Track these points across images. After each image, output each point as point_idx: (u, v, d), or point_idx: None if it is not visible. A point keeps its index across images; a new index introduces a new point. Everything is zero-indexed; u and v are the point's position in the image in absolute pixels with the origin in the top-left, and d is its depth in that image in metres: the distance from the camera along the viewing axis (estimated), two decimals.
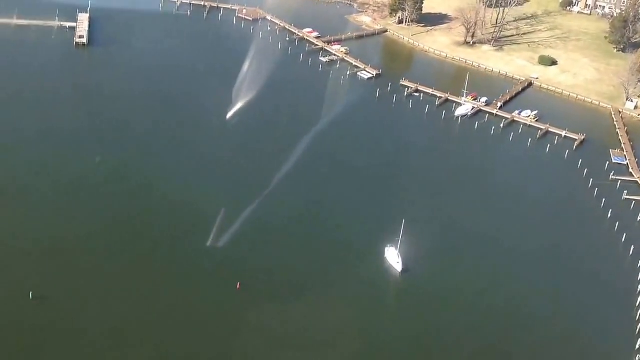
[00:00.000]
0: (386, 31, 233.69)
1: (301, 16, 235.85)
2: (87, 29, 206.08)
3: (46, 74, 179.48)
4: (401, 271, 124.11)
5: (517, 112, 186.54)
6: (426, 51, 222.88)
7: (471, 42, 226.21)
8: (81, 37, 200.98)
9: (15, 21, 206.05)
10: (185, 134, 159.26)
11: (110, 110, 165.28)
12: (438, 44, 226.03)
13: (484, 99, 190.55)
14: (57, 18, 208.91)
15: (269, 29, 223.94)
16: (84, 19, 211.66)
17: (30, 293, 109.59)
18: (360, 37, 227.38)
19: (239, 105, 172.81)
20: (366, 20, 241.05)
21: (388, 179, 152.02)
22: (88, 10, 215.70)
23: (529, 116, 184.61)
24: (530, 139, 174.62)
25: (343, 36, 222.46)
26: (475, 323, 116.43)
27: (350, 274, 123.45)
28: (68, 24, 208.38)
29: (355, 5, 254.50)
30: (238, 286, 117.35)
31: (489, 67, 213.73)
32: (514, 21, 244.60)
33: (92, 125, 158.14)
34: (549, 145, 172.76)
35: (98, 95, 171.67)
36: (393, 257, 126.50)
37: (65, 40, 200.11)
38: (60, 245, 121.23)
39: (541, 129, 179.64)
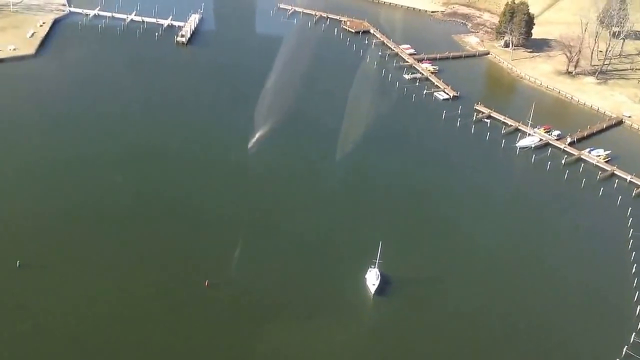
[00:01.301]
0: (488, 54, 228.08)
1: (406, 32, 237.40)
2: (192, 28, 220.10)
3: (130, 68, 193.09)
4: (374, 294, 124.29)
5: (587, 150, 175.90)
6: (522, 77, 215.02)
7: (573, 72, 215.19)
8: (182, 36, 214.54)
9: (132, 17, 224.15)
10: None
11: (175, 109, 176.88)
12: (537, 71, 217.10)
13: (556, 132, 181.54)
14: (170, 17, 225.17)
15: (366, 42, 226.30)
16: (193, 19, 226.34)
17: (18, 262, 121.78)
18: (458, 57, 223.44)
19: (292, 116, 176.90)
20: (472, 42, 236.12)
21: (392, 203, 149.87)
22: (200, 11, 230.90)
23: (599, 155, 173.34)
24: (586, 180, 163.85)
25: (438, 55, 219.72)
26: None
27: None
28: (177, 23, 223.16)
29: (469, 25, 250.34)
30: (207, 284, 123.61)
31: (582, 100, 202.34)
32: (635, 54, 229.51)
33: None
34: (602, 188, 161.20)
35: (170, 96, 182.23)
36: (371, 279, 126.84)
37: (167, 38, 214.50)
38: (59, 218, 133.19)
39: (606, 170, 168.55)
